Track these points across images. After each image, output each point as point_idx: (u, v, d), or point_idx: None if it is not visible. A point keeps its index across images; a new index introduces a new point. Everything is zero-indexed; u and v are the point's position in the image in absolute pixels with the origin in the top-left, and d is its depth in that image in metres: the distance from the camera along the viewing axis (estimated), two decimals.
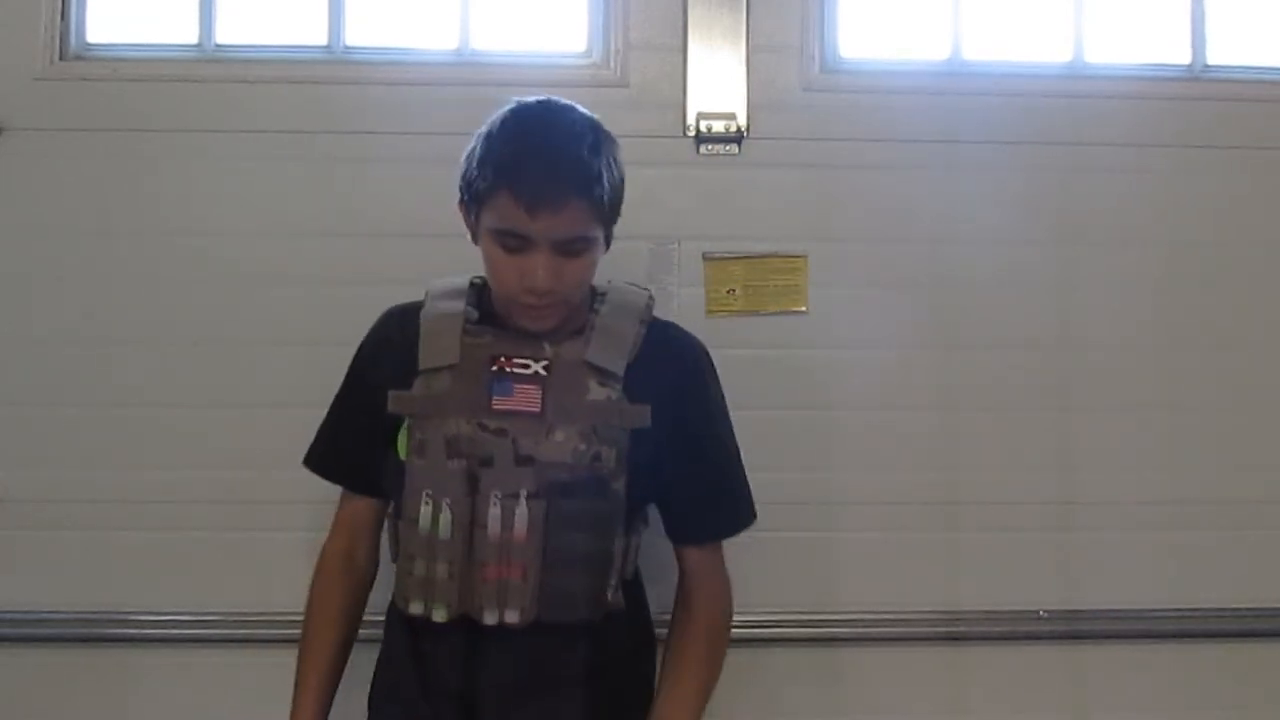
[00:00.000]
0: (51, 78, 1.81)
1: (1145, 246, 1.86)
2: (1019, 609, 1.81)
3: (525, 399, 1.29)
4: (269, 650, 1.76)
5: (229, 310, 1.80)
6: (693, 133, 1.82)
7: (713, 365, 1.43)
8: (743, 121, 1.82)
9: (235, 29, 1.87)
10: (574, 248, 1.27)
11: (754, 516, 1.44)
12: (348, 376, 1.46)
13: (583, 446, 1.28)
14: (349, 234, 1.81)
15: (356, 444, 1.40)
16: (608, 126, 1.39)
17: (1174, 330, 1.86)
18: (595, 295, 1.38)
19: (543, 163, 1.24)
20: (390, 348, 1.39)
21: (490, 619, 1.27)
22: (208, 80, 1.83)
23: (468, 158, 1.30)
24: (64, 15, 1.83)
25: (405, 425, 1.32)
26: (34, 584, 1.76)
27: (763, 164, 1.82)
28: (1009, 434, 1.83)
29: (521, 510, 1.26)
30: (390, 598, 1.40)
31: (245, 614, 1.77)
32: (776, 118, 1.83)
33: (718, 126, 1.82)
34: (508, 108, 1.31)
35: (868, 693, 1.80)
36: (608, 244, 1.35)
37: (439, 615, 1.29)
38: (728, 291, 1.82)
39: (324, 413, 1.71)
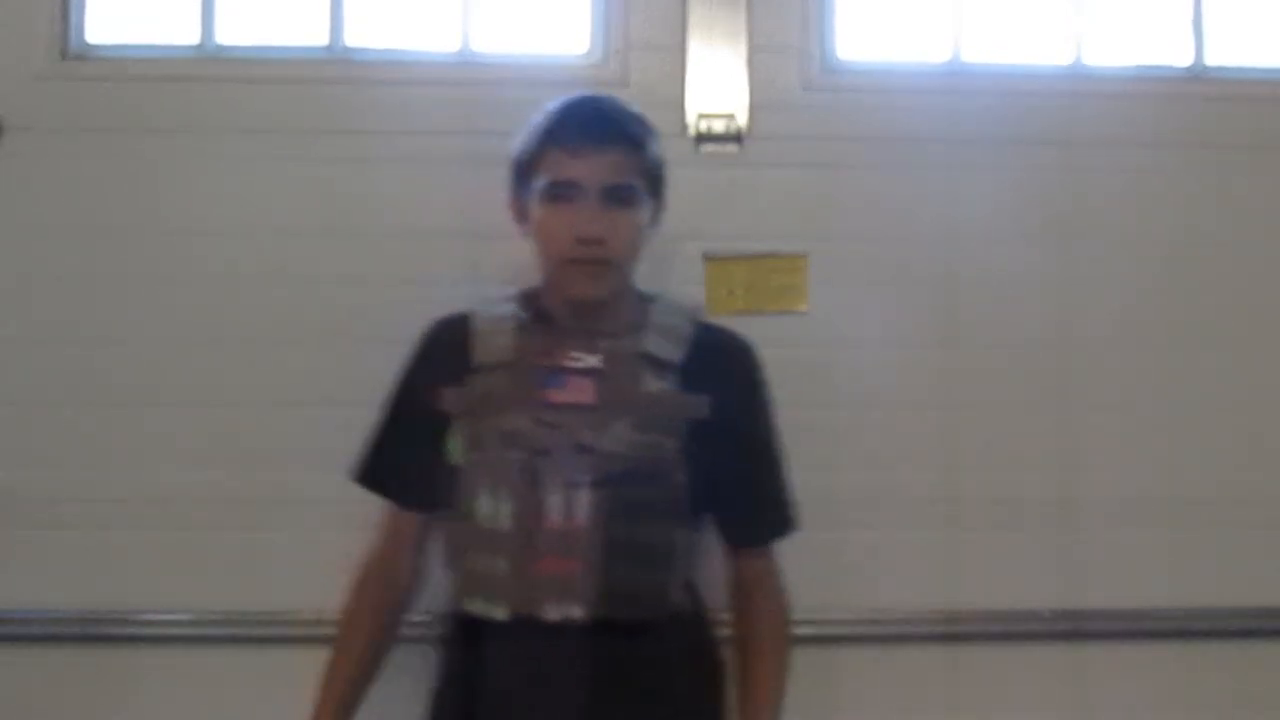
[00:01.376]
0: (52, 77, 1.81)
1: (1145, 246, 1.86)
2: (1019, 609, 1.81)
3: (580, 392, 1.30)
4: (269, 650, 1.76)
5: (229, 310, 1.80)
6: (693, 133, 1.82)
7: (762, 365, 1.44)
8: (743, 121, 1.82)
9: (236, 29, 1.87)
10: (620, 195, 1.31)
11: (798, 522, 1.46)
12: (395, 389, 1.45)
13: (639, 437, 1.28)
14: (349, 234, 1.81)
15: (409, 455, 1.39)
16: None
17: (1174, 330, 1.86)
18: (645, 298, 1.42)
19: (585, 112, 1.34)
20: (440, 351, 1.40)
21: (552, 614, 1.25)
22: (208, 80, 1.83)
23: (515, 146, 1.38)
24: (64, 15, 1.83)
25: (456, 427, 1.32)
26: (34, 584, 1.76)
27: (763, 164, 1.82)
28: (1009, 433, 1.83)
29: (583, 497, 1.25)
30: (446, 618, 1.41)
31: (245, 614, 1.76)
32: (776, 118, 1.83)
33: (718, 126, 1.82)
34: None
35: (868, 693, 1.80)
36: (654, 219, 1.40)
37: (499, 613, 1.26)
38: (728, 292, 1.82)
39: (324, 411, 1.72)
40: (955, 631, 1.81)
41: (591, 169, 1.29)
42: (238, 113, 1.81)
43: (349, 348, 1.80)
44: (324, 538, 1.77)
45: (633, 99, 1.79)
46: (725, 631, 1.49)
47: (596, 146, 1.30)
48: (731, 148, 1.82)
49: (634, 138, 1.33)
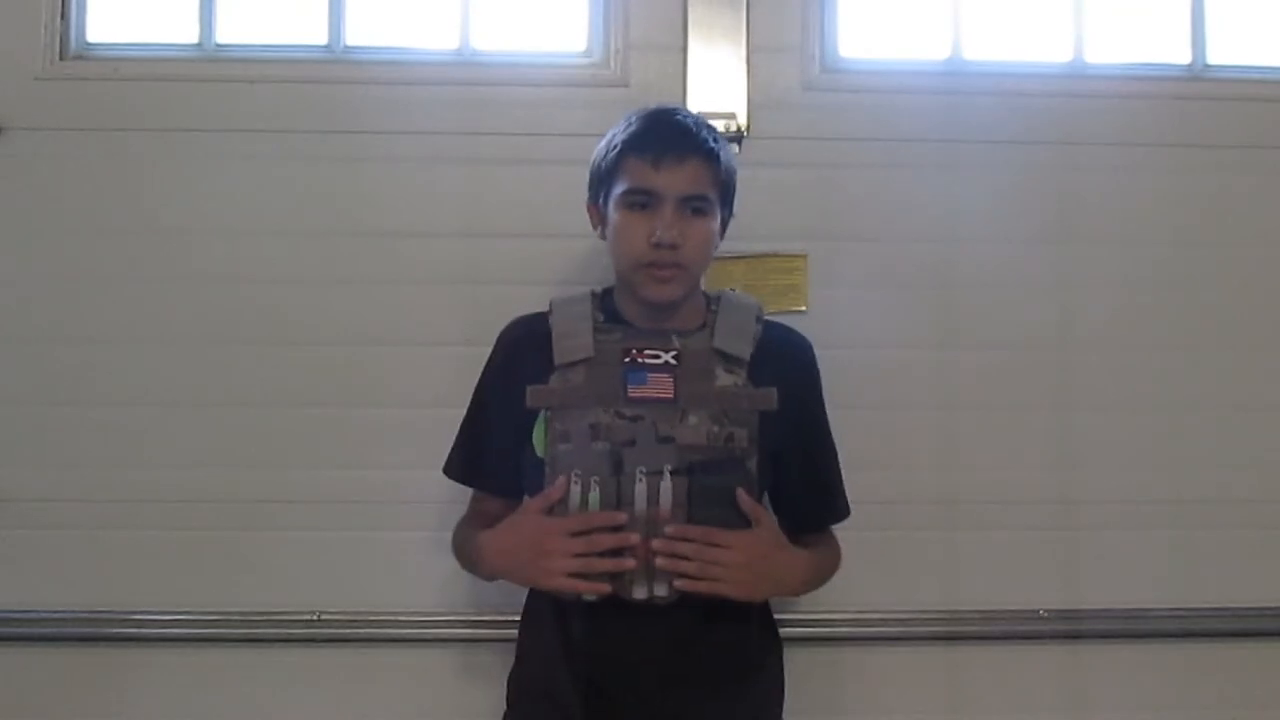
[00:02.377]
0: (51, 77, 1.81)
1: (1145, 246, 1.86)
2: (1019, 609, 1.81)
3: (659, 387, 1.37)
4: (269, 650, 1.76)
5: (228, 310, 1.80)
6: None
7: (817, 361, 1.51)
8: (743, 121, 1.82)
9: (235, 29, 1.87)
10: (696, 205, 1.38)
11: (849, 510, 1.55)
12: (482, 385, 1.51)
13: (715, 429, 1.35)
14: (348, 234, 1.81)
15: (498, 448, 1.45)
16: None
17: (1174, 330, 1.86)
18: (710, 299, 1.48)
19: (667, 126, 1.40)
20: (524, 349, 1.45)
21: (639, 594, 1.31)
22: (208, 80, 1.83)
23: (596, 154, 1.44)
24: (64, 15, 1.83)
25: (542, 421, 1.38)
26: (34, 584, 1.76)
27: (763, 163, 1.82)
28: (1009, 434, 1.83)
29: (666, 484, 1.32)
30: (525, 599, 1.47)
31: (245, 614, 1.77)
32: (777, 117, 1.83)
33: (718, 126, 1.80)
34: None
35: (868, 693, 1.80)
36: (723, 229, 1.46)
37: (588, 594, 1.32)
38: None
39: (324, 411, 1.72)
40: (955, 631, 1.81)
41: (670, 179, 1.36)
42: (238, 113, 1.81)
43: (348, 348, 1.80)
44: (324, 538, 1.78)
45: (633, 99, 1.81)
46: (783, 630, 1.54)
47: (677, 158, 1.36)
48: (731, 147, 1.82)
49: (711, 151, 1.39)
